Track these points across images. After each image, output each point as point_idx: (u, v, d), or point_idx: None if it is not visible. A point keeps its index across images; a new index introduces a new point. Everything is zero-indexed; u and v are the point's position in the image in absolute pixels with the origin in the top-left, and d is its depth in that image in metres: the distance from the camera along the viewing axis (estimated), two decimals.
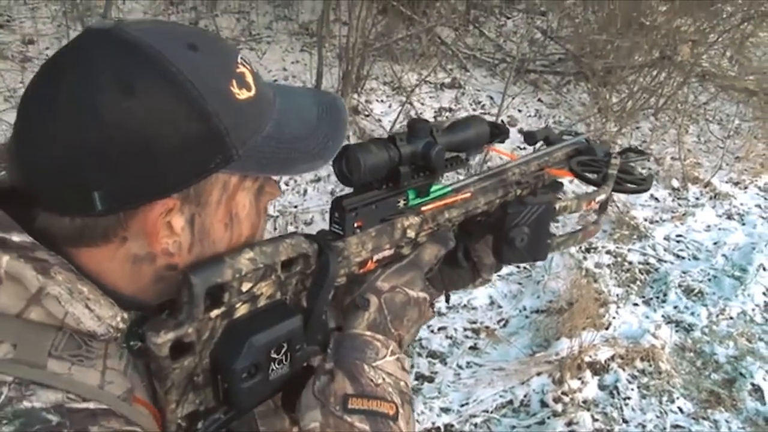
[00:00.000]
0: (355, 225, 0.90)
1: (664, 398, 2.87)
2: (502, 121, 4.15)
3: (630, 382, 2.91)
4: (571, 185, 3.52)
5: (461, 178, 1.11)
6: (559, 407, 2.74)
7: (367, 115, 4.58)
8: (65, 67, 0.65)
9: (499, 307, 3.36)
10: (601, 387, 2.88)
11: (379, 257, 0.93)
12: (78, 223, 0.66)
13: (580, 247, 3.78)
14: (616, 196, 4.16)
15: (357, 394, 0.80)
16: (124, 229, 0.67)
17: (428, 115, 4.73)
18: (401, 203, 0.96)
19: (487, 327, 3.22)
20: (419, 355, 3.02)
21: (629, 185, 1.19)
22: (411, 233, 0.97)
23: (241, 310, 0.76)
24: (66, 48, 0.66)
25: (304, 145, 0.76)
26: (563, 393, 2.79)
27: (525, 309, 3.35)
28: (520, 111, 4.94)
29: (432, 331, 3.16)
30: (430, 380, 2.89)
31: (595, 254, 3.79)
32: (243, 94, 0.69)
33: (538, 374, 2.87)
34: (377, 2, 4.86)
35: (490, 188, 1.10)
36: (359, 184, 0.90)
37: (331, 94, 0.87)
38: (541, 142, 1.27)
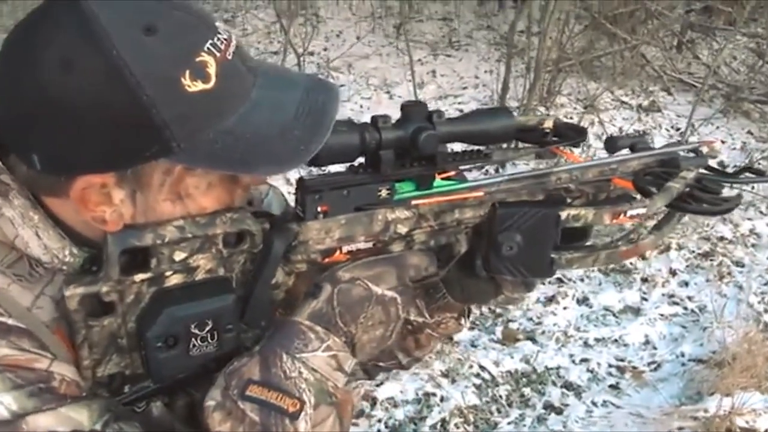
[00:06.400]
0: (319, 209, 0.83)
1: None
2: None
3: None
4: None
5: (497, 175, 0.99)
6: None
7: None
8: (29, 27, 0.68)
9: (654, 348, 3.09)
10: None
11: (351, 248, 0.86)
12: (32, 173, 0.70)
13: (763, 298, 3.37)
14: None
15: (260, 381, 0.76)
16: (65, 190, 0.70)
17: None
18: (383, 193, 0.87)
19: (634, 367, 2.97)
20: (554, 384, 2.86)
21: (703, 205, 0.98)
22: (401, 228, 0.87)
23: (173, 279, 0.76)
24: (42, 5, 0.69)
25: (269, 147, 0.72)
26: None
27: (683, 355, 3.04)
28: (723, 142, 4.51)
29: (573, 362, 2.99)
30: (559, 412, 2.73)
31: None
32: (196, 86, 0.67)
33: (680, 429, 2.60)
34: (580, 19, 4.70)
35: (523, 191, 0.95)
36: (325, 165, 0.82)
37: (330, 89, 0.78)
38: (627, 150, 1.06)
